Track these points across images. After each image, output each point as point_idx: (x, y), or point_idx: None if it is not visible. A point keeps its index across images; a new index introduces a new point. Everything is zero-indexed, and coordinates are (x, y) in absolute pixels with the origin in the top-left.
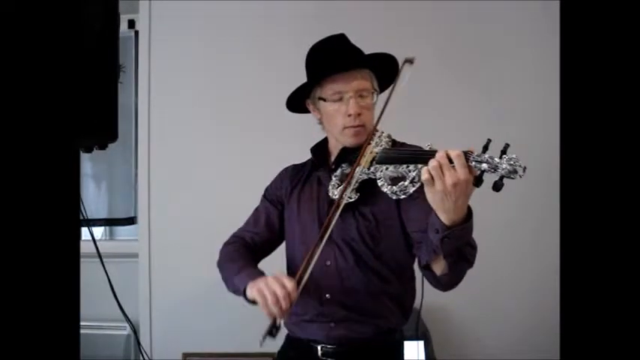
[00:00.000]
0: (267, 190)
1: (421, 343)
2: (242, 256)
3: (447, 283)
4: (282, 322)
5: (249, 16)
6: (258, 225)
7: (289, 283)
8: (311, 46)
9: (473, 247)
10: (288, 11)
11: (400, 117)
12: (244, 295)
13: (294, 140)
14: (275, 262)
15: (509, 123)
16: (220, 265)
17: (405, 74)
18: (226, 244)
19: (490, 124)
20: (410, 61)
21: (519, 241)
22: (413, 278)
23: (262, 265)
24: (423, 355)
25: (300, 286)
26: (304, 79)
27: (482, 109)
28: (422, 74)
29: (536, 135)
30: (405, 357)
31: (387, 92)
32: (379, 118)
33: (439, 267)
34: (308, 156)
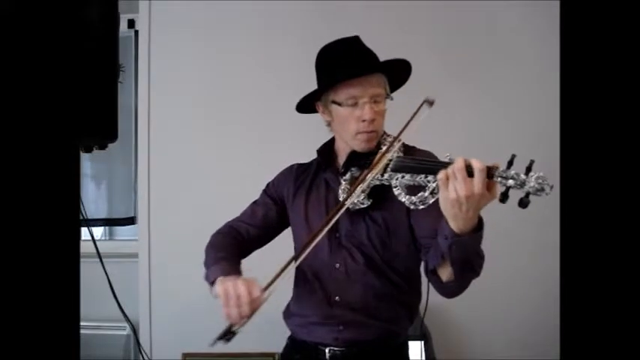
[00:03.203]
0: (268, 185)
1: (421, 343)
2: (227, 247)
3: (452, 290)
4: (238, 328)
5: (249, 16)
6: (254, 218)
7: (256, 291)
8: (322, 47)
9: (481, 257)
10: (289, 11)
11: (401, 117)
12: (212, 287)
13: (294, 140)
14: (276, 262)
15: (509, 123)
16: (206, 250)
17: (422, 113)
18: (218, 232)
19: (490, 123)
20: (430, 102)
21: (519, 242)
22: (419, 282)
23: (265, 264)
24: (423, 355)
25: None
26: (305, 79)
27: (482, 109)
28: (422, 74)
29: (536, 135)
30: None
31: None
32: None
33: (445, 273)
34: (308, 156)
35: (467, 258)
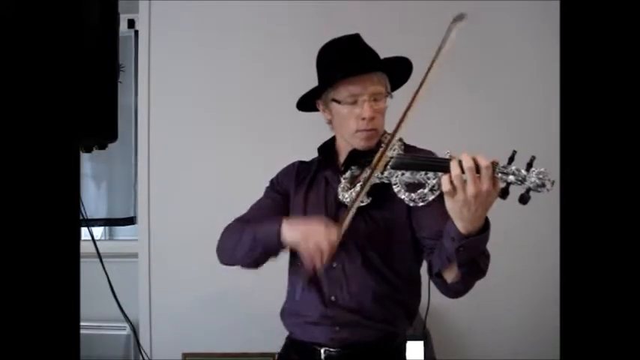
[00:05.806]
0: (272, 182)
1: (421, 343)
2: (255, 218)
3: (457, 290)
4: (320, 271)
5: (249, 16)
6: (261, 210)
7: (331, 225)
8: (322, 45)
9: (486, 257)
10: (289, 11)
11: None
12: (278, 237)
13: (295, 140)
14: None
15: (509, 123)
16: (228, 237)
17: (451, 34)
18: (228, 226)
19: (490, 124)
20: (460, 17)
21: (519, 242)
22: (419, 283)
23: (266, 265)
24: (422, 355)
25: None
26: (305, 79)
27: (482, 109)
28: (421, 73)
29: (536, 135)
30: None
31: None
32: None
33: (451, 275)
34: (308, 156)
35: (474, 259)
